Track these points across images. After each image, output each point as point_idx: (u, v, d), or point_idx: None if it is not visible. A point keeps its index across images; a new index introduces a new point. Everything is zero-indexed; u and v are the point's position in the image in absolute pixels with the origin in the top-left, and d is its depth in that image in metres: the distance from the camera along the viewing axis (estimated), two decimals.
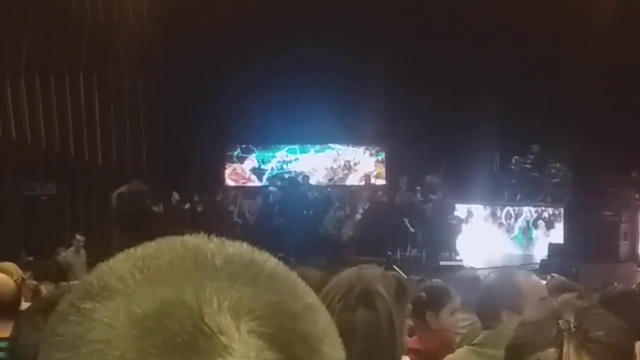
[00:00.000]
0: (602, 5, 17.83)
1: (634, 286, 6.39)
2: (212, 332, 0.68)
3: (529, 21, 17.80)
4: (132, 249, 0.78)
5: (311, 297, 0.78)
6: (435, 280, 6.43)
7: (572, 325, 1.82)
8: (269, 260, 0.79)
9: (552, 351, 1.80)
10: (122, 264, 0.76)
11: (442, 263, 16.28)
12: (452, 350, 4.21)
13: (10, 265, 5.38)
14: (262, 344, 0.69)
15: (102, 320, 0.70)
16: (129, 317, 0.69)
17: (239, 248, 0.79)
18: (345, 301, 2.71)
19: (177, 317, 0.69)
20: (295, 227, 17.39)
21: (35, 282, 6.72)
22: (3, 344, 3.23)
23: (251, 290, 0.73)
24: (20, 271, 5.26)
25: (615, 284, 6.46)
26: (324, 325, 0.76)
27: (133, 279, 0.73)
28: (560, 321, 1.83)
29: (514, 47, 18.19)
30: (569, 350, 1.79)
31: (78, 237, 14.23)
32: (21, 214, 16.45)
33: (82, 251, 13.97)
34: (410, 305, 5.51)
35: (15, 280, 4.94)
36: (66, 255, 13.82)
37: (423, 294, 5.16)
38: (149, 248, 0.78)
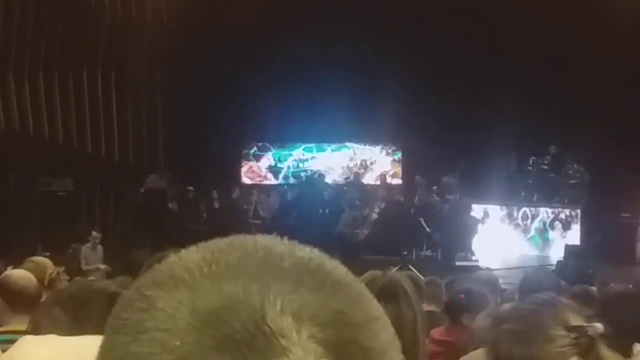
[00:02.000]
0: (622, 4, 17.73)
1: (630, 286, 6.35)
2: (272, 333, 0.68)
3: (548, 20, 17.74)
4: (204, 243, 0.79)
5: (377, 309, 0.77)
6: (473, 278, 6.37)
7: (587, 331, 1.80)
8: (337, 268, 0.79)
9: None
10: (191, 256, 0.76)
11: (457, 263, 16.23)
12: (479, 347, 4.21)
13: (45, 260, 5.44)
14: (321, 351, 0.69)
15: (165, 309, 0.71)
16: (192, 309, 0.70)
17: (309, 253, 0.80)
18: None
19: (239, 314, 0.69)
20: (310, 226, 17.39)
21: (67, 277, 6.76)
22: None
23: (316, 296, 0.73)
24: (53, 266, 5.31)
25: (612, 284, 6.42)
26: (386, 340, 0.76)
27: (200, 272, 0.73)
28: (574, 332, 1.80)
29: (532, 47, 18.13)
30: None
31: (94, 233, 14.27)
32: (38, 209, 16.52)
33: (99, 247, 14.02)
34: (443, 306, 5.51)
35: (50, 274, 4.99)
36: (83, 251, 13.88)
37: (462, 295, 5.15)
38: (221, 243, 0.79)
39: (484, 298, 5.09)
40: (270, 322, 0.69)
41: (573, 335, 1.81)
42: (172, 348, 0.68)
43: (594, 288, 6.34)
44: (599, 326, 1.83)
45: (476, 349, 4.20)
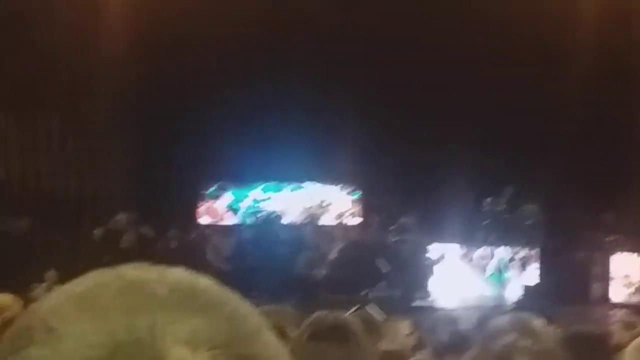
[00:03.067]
0: (582, 42, 18.00)
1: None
2: None
3: (506, 59, 17.95)
4: (66, 286, 0.76)
5: (255, 317, 0.77)
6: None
7: None
8: (211, 286, 0.78)
9: None
10: (63, 303, 0.72)
11: (414, 304, 16.26)
12: None
13: (6, 299, 5.28)
14: None
15: None
16: None
17: (180, 275, 0.78)
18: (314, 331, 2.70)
19: (134, 357, 0.66)
20: (268, 266, 17.33)
21: None
22: None
23: (202, 318, 0.71)
24: (17, 305, 5.18)
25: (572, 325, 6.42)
26: (274, 345, 0.75)
27: (80, 319, 0.70)
28: None
29: (488, 85, 18.30)
30: None
31: (51, 273, 14.11)
32: None
33: (55, 287, 13.83)
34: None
35: (3, 318, 4.84)
36: (39, 292, 13.69)
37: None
38: (86, 283, 0.75)
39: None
40: (167, 357, 0.67)
41: None
42: None
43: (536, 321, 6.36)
44: None
45: None
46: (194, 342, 0.68)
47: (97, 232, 17.56)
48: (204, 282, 0.79)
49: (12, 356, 0.69)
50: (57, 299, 0.74)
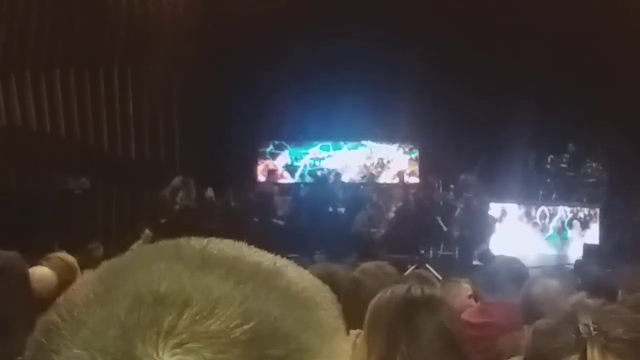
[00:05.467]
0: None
1: None
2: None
3: (568, 18, 17.64)
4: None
5: (310, 292, 0.74)
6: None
7: (592, 328, 1.75)
8: (260, 256, 0.75)
9: (575, 358, 1.73)
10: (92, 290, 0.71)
11: (475, 262, 16.16)
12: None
13: (73, 260, 5.38)
14: None
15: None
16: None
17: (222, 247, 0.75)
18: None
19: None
20: (326, 225, 17.36)
21: None
22: None
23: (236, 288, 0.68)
24: (75, 264, 5.28)
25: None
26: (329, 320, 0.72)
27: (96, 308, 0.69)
28: (579, 325, 1.76)
29: (552, 44, 18.03)
30: (593, 354, 1.72)
31: (147, 231, 14.16)
32: (55, 208, 16.52)
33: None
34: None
35: (63, 277, 4.92)
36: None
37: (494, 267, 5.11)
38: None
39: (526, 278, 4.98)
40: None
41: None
42: None
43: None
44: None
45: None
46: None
47: (157, 194, 17.71)
48: (249, 251, 0.74)
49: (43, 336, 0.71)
50: (88, 279, 0.73)
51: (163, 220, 16.98)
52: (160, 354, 0.63)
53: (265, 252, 0.75)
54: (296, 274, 0.74)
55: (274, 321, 0.67)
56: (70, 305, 0.70)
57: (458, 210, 17.42)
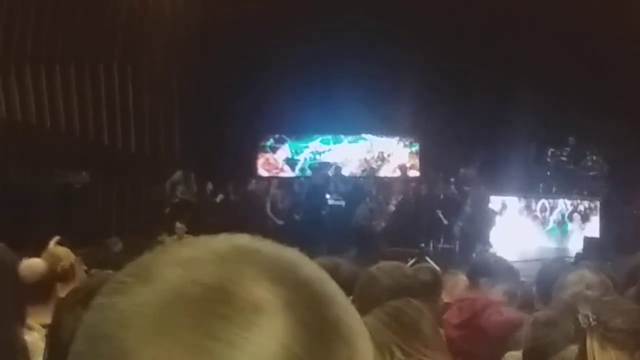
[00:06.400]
0: None
1: None
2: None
3: (568, 10, 17.61)
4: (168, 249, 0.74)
5: (331, 283, 0.75)
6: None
7: (591, 319, 1.75)
8: (284, 252, 0.76)
9: (574, 348, 1.73)
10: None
11: (475, 256, 16.15)
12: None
13: (61, 250, 5.42)
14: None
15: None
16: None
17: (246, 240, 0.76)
18: None
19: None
20: (327, 219, 17.36)
21: (85, 268, 6.73)
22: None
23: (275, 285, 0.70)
24: (71, 256, 5.30)
25: None
26: (351, 310, 0.74)
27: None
28: (579, 316, 1.76)
29: (551, 37, 18.00)
30: (592, 345, 1.72)
31: (179, 225, 14.16)
32: (55, 202, 16.53)
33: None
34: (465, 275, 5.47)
35: (63, 265, 4.97)
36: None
37: (483, 259, 5.14)
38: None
39: (510, 272, 5.02)
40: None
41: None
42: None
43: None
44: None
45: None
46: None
47: (157, 187, 17.72)
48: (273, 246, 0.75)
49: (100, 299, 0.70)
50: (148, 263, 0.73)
51: (167, 210, 17.04)
52: None
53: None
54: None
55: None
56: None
57: (458, 203, 17.42)
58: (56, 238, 6.31)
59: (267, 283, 0.68)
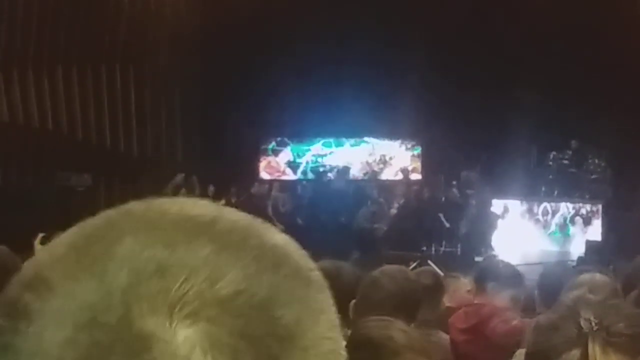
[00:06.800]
0: None
1: None
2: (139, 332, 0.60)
3: (571, 14, 17.61)
4: (72, 229, 0.70)
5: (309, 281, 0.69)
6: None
7: (593, 323, 1.75)
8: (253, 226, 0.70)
9: (576, 353, 1.72)
10: (64, 252, 0.66)
11: (477, 259, 16.14)
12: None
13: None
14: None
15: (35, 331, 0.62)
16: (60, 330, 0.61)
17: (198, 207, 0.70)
18: None
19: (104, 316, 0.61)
20: (329, 222, 17.35)
21: None
22: None
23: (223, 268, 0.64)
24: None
25: None
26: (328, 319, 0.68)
27: (77, 273, 0.64)
28: (581, 320, 1.76)
29: (555, 41, 18.00)
30: (594, 349, 1.72)
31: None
32: (57, 205, 16.53)
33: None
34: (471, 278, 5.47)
35: None
36: None
37: (487, 263, 5.13)
38: (91, 226, 0.69)
39: (518, 278, 5.01)
40: (137, 329, 0.60)
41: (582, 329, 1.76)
42: None
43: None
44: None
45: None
46: (174, 307, 0.61)
47: (159, 190, 17.72)
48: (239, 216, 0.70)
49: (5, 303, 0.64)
50: (58, 247, 0.67)
51: None
52: (173, 324, 0.60)
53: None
54: (299, 252, 0.70)
55: (278, 287, 0.64)
56: (42, 276, 0.64)
57: (460, 207, 17.41)
58: (40, 235, 6.29)
59: None
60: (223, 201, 18.34)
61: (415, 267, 9.60)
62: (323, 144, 21.36)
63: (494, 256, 14.86)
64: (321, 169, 20.72)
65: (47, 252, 0.67)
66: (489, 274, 5.03)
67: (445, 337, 4.66)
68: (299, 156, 21.41)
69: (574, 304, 1.87)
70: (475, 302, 4.93)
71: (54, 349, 0.60)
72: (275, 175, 21.18)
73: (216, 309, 0.61)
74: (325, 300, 0.69)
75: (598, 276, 4.23)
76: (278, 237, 0.70)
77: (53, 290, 0.63)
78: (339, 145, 21.35)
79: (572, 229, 17.65)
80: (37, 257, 0.67)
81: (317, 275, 0.69)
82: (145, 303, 0.60)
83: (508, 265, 5.41)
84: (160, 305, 0.60)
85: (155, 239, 0.64)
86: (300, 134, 21.23)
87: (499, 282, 4.88)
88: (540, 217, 18.13)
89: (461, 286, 5.88)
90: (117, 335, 0.60)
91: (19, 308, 0.63)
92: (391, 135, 21.11)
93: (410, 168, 20.88)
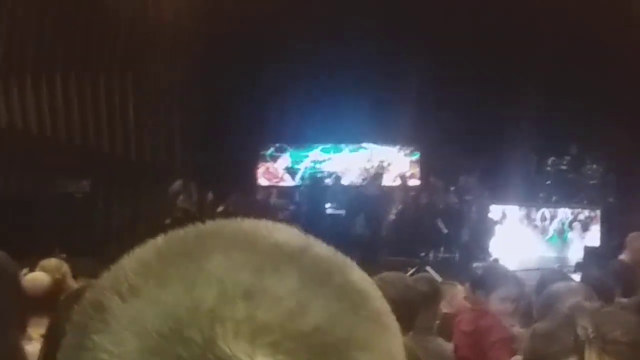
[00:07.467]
0: None
1: None
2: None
3: (570, 19, 17.63)
4: (160, 238, 0.69)
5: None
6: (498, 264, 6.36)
7: (590, 331, 1.75)
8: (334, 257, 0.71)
9: None
10: (151, 259, 0.66)
11: (475, 264, 16.13)
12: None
13: (51, 263, 5.41)
14: None
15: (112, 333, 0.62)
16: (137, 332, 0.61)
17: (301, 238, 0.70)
18: None
19: (185, 334, 0.60)
20: (327, 227, 17.34)
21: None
22: None
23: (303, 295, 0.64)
24: (64, 268, 5.29)
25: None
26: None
27: (163, 283, 0.63)
28: (578, 328, 1.76)
29: (553, 46, 18.02)
30: (591, 356, 1.72)
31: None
32: (55, 211, 16.53)
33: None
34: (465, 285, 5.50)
35: (55, 278, 4.97)
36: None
37: (480, 271, 5.16)
38: (179, 238, 0.68)
39: (518, 285, 5.03)
40: (219, 351, 0.59)
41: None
42: None
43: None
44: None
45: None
46: (257, 337, 0.60)
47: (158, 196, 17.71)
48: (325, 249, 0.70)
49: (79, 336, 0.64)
50: (145, 253, 0.67)
51: (168, 221, 17.02)
52: (254, 352, 0.59)
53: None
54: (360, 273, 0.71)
55: (357, 329, 0.65)
56: (127, 280, 0.64)
57: (459, 212, 17.41)
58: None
59: None
60: (222, 207, 18.36)
61: (413, 273, 9.61)
62: (321, 150, 21.36)
63: (493, 262, 14.86)
64: (319, 175, 20.72)
65: (133, 258, 0.67)
66: (486, 280, 5.06)
67: (443, 343, 4.67)
68: (297, 162, 21.41)
69: (571, 311, 1.88)
70: (473, 308, 4.95)
71: (134, 355, 0.60)
72: (274, 182, 21.19)
73: (295, 342, 0.61)
74: (399, 348, 0.69)
75: (572, 283, 4.26)
76: (358, 275, 0.71)
77: (138, 295, 0.63)
78: (337, 151, 21.36)
79: (570, 235, 17.64)
80: (122, 262, 0.67)
81: (393, 320, 0.71)
82: (230, 326, 0.60)
83: (509, 272, 5.44)
84: (244, 331, 0.60)
85: (244, 262, 0.64)
86: (299, 140, 21.23)
87: (496, 289, 4.90)
88: (538, 222, 18.12)
89: (458, 293, 5.90)
90: (200, 353, 0.59)
91: (102, 309, 0.63)
92: (389, 141, 21.12)
93: (408, 174, 20.88)
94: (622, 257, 7.67)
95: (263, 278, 0.63)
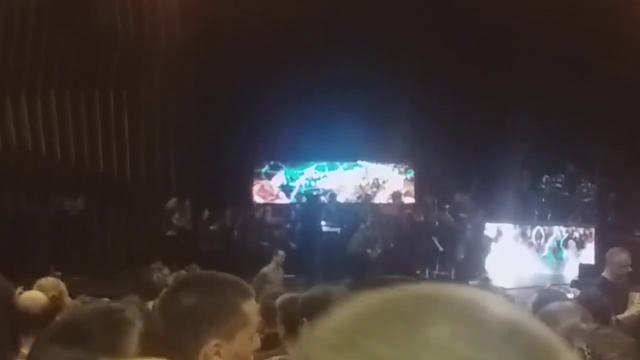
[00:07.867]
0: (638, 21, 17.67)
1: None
2: None
3: (563, 39, 17.66)
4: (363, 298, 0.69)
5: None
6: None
7: (586, 353, 1.75)
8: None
9: None
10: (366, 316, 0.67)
11: (471, 282, 16.11)
12: None
13: (48, 281, 5.42)
14: None
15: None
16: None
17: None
18: None
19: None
20: (321, 245, 17.31)
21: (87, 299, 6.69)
22: None
23: None
24: (60, 287, 5.29)
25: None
26: None
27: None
28: (575, 350, 1.75)
29: (548, 65, 18.05)
30: None
31: (280, 252, 14.03)
32: (50, 230, 16.50)
33: (280, 268, 13.83)
34: None
35: (51, 296, 4.97)
36: (265, 271, 13.55)
37: None
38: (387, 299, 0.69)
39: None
40: None
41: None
42: None
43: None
44: None
45: None
46: None
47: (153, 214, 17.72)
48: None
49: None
50: (361, 309, 0.68)
51: (169, 233, 17.06)
52: None
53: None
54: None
55: None
56: (346, 337, 0.65)
57: (454, 230, 17.41)
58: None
59: None
60: (216, 225, 18.36)
61: None
62: (316, 168, 21.36)
63: (488, 280, 14.83)
64: (315, 193, 20.70)
65: (349, 313, 0.68)
66: None
67: None
68: (292, 180, 21.40)
69: (567, 333, 1.87)
70: None
71: None
72: (269, 199, 21.16)
73: None
74: None
75: (568, 304, 4.26)
76: (568, 357, 0.72)
77: (358, 352, 0.63)
78: (332, 168, 21.36)
79: (566, 253, 17.65)
80: (337, 317, 0.67)
81: None
82: None
83: (496, 290, 5.43)
84: None
85: (467, 334, 0.65)
86: (294, 158, 21.22)
87: None
88: (533, 240, 18.13)
89: None
90: None
91: None
92: (384, 158, 21.13)
93: (403, 192, 20.87)
94: (604, 273, 7.72)
95: (483, 353, 0.64)
